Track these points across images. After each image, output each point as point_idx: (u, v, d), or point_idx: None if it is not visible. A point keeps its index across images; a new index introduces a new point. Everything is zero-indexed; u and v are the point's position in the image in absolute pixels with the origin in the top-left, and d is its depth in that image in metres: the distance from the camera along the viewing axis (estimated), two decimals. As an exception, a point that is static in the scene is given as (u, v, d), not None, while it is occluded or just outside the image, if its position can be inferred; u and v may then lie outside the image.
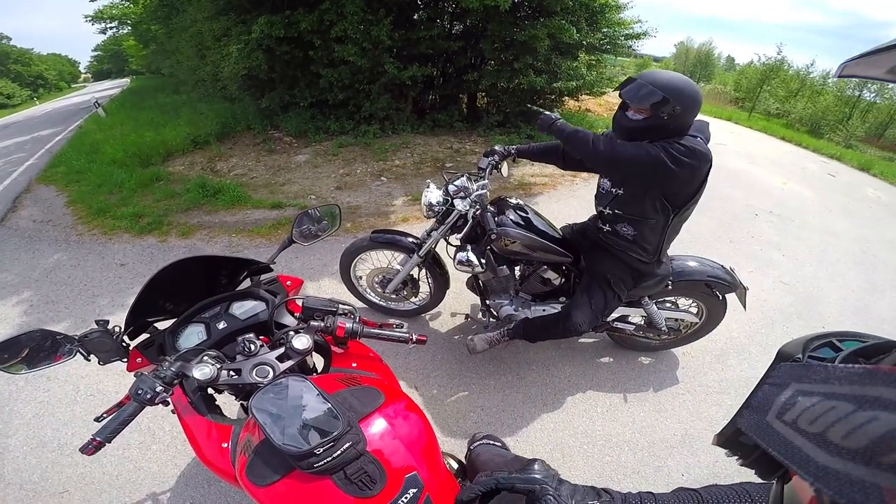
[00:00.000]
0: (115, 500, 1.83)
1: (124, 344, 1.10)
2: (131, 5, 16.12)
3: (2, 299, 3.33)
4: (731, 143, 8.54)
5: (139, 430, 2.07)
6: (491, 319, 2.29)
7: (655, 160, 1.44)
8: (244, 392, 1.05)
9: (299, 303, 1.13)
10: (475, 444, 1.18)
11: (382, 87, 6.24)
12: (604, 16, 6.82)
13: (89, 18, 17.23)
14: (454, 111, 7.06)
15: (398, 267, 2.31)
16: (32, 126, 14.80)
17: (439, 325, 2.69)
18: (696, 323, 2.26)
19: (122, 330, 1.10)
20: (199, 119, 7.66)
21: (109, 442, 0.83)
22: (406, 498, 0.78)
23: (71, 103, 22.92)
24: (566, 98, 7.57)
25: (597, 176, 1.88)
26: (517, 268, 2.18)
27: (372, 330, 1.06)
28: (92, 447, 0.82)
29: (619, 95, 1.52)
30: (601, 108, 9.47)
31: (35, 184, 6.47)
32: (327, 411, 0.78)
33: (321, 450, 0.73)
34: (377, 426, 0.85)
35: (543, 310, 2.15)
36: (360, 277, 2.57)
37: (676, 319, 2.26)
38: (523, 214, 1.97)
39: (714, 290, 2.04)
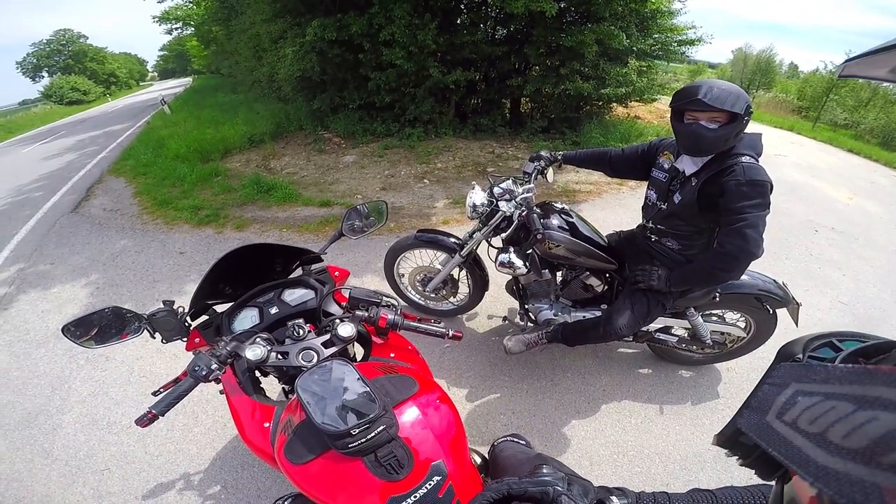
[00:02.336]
0: (152, 480, 1.95)
1: (186, 324, 1.20)
2: (194, 7, 17.15)
3: (73, 280, 3.69)
4: (791, 154, 8.03)
5: (184, 412, 2.21)
6: (529, 324, 2.29)
7: (761, 218, 1.41)
8: (287, 375, 1.12)
9: (345, 293, 1.18)
10: (499, 441, 1.20)
11: (427, 90, 6.37)
12: (655, 22, 6.63)
13: (156, 19, 18.53)
14: (497, 116, 7.07)
15: (439, 266, 2.36)
16: (105, 121, 16.17)
17: (476, 326, 2.72)
18: (744, 338, 2.17)
19: (186, 310, 1.20)
20: (256, 118, 8.09)
21: (163, 415, 0.90)
22: (430, 485, 0.81)
23: (139, 100, 24.78)
24: (615, 104, 7.38)
25: (645, 184, 1.85)
26: (559, 273, 2.17)
27: (411, 323, 1.10)
28: (147, 419, 0.89)
29: (682, 103, 1.42)
30: (651, 115, 9.16)
31: (107, 175, 7.09)
32: (365, 395, 0.82)
33: (357, 430, 0.77)
34: (409, 413, 0.89)
35: (583, 316, 2.13)
36: (403, 275, 2.63)
37: (722, 333, 2.18)
38: (568, 219, 1.96)
39: (764, 304, 1.96)
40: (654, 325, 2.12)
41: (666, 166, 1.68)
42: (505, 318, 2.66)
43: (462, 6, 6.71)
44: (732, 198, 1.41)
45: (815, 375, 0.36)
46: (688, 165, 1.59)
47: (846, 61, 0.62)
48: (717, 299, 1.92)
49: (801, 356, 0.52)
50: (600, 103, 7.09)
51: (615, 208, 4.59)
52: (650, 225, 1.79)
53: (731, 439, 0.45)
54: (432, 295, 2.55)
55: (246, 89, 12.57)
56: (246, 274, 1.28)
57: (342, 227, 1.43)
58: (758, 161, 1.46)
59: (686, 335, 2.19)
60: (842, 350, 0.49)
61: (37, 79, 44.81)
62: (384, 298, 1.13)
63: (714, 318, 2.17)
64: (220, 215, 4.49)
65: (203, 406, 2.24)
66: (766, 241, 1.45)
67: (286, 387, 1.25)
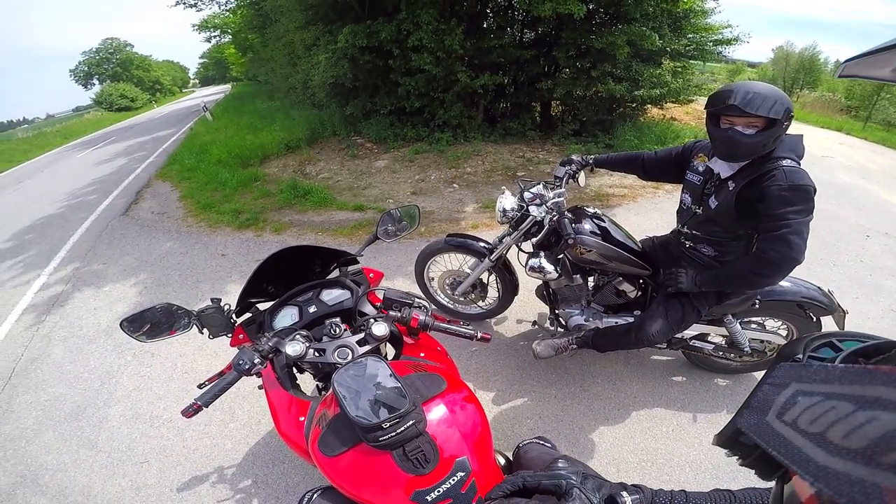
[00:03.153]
0: (188, 473, 2.04)
1: (232, 320, 1.27)
2: (231, 15, 17.77)
3: (123, 279, 3.95)
4: (840, 155, 7.60)
5: (221, 408, 2.30)
6: (558, 329, 2.27)
7: (804, 224, 1.36)
8: (322, 372, 1.17)
9: (379, 294, 1.24)
10: (524, 443, 1.21)
11: (455, 95, 6.42)
12: (688, 21, 6.49)
13: (196, 27, 19.33)
14: (526, 119, 7.04)
15: (469, 270, 2.38)
16: (152, 127, 17.13)
17: (504, 331, 2.74)
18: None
19: (232, 308, 1.28)
20: (292, 124, 8.39)
21: (207, 406, 0.96)
22: (454, 480, 0.85)
23: (183, 107, 26.06)
24: (649, 106, 7.22)
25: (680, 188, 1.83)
26: (591, 278, 2.15)
27: (441, 324, 1.15)
28: (192, 410, 0.96)
29: (718, 107, 1.37)
30: (688, 116, 8.89)
31: (154, 179, 7.54)
32: (396, 390, 0.85)
33: (388, 424, 0.80)
34: (437, 410, 0.93)
35: (615, 322, 2.11)
36: (433, 279, 2.67)
37: (762, 341, 2.12)
38: (601, 224, 1.94)
39: (807, 312, 1.90)
40: (689, 332, 2.08)
41: (700, 169, 1.65)
42: (534, 323, 2.64)
43: (488, 10, 6.74)
44: (774, 203, 1.37)
45: (815, 375, 0.36)
46: (722, 168, 1.55)
47: (846, 61, 0.62)
48: (757, 306, 1.88)
49: (801, 356, 0.52)
50: (634, 105, 6.94)
51: (650, 212, 4.51)
52: (685, 230, 1.77)
53: (731, 439, 0.44)
54: (461, 298, 2.58)
55: (282, 96, 12.97)
56: (287, 274, 1.36)
57: (377, 231, 1.50)
58: (799, 164, 1.42)
59: (723, 342, 2.14)
60: (842, 350, 0.49)
61: (88, 86, 46.94)
62: (416, 300, 1.18)
63: (753, 326, 2.11)
64: (260, 219, 4.71)
65: (240, 402, 2.35)
66: (812, 246, 1.42)
67: (320, 384, 1.31)
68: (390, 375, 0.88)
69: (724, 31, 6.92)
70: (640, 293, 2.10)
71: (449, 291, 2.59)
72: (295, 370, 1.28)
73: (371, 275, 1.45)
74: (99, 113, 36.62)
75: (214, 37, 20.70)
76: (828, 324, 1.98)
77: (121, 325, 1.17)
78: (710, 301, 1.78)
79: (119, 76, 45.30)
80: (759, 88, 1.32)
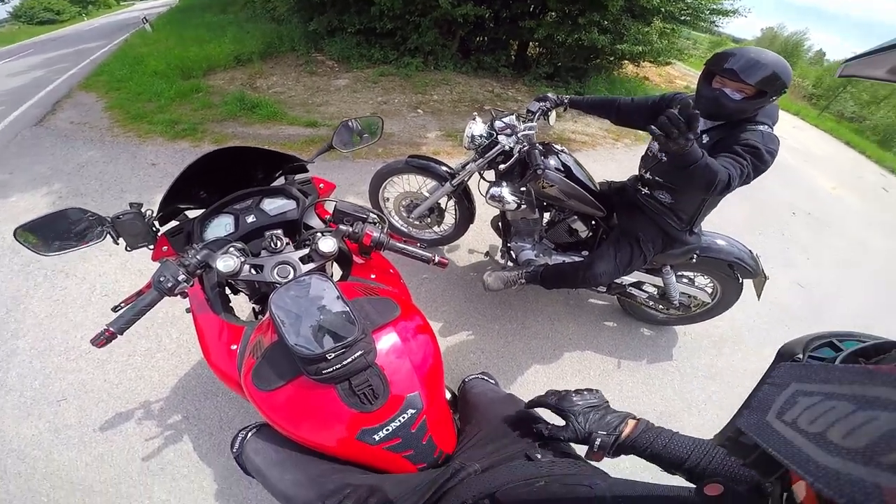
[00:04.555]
0: (111, 410, 1.85)
1: (154, 229, 1.09)
2: None
3: (33, 189, 3.45)
4: (790, 137, 8.02)
5: (147, 336, 2.10)
6: (509, 263, 2.29)
7: (753, 172, 1.40)
8: (260, 293, 1.06)
9: (329, 207, 1.11)
10: (470, 378, 1.19)
11: (432, 21, 6.03)
12: None
13: None
14: (501, 56, 6.79)
15: (427, 194, 2.30)
16: (78, 40, 15.04)
17: (456, 260, 2.67)
18: (708, 303, 2.22)
19: (154, 214, 1.08)
20: (245, 38, 7.61)
21: (122, 333, 0.82)
22: (404, 418, 0.77)
23: (119, 19, 23.12)
24: (626, 62, 7.13)
25: (645, 139, 1.79)
26: (546, 214, 2.17)
27: (397, 244, 1.03)
28: (104, 338, 0.81)
29: (717, 68, 1.39)
30: (660, 78, 8.91)
31: (76, 90, 6.60)
32: (344, 315, 0.75)
33: (333, 355, 0.71)
34: (389, 339, 0.83)
35: (564, 260, 2.14)
36: (388, 199, 2.56)
37: (690, 296, 2.22)
38: (565, 163, 1.94)
39: (735, 273, 2.01)
40: (628, 279, 2.18)
41: None
42: (486, 255, 2.65)
43: None
44: (744, 147, 1.40)
45: (815, 375, 0.36)
46: (700, 125, 1.54)
47: (846, 61, 0.62)
48: (694, 260, 1.97)
49: (801, 356, 0.51)
50: (612, 58, 6.82)
51: (607, 161, 4.57)
52: (647, 176, 1.77)
53: (731, 439, 0.45)
54: (416, 222, 2.50)
55: (237, 9, 11.85)
56: (223, 179, 1.17)
57: (332, 140, 1.32)
58: (773, 130, 1.46)
59: (656, 293, 2.24)
60: (842, 350, 0.49)
61: (5, 1, 41.15)
62: (370, 215, 1.05)
63: (685, 280, 2.20)
64: (198, 130, 4.24)
65: (167, 328, 2.13)
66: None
67: (257, 307, 1.21)
68: (337, 298, 0.78)
69: (725, 1, 6.81)
70: (590, 234, 2.13)
71: (404, 214, 2.49)
72: (228, 291, 1.14)
73: (321, 185, 1.29)
74: (16, 26, 32.16)
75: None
76: (748, 288, 2.09)
77: (14, 233, 0.96)
78: (657, 247, 1.84)
79: None
80: (765, 57, 1.33)
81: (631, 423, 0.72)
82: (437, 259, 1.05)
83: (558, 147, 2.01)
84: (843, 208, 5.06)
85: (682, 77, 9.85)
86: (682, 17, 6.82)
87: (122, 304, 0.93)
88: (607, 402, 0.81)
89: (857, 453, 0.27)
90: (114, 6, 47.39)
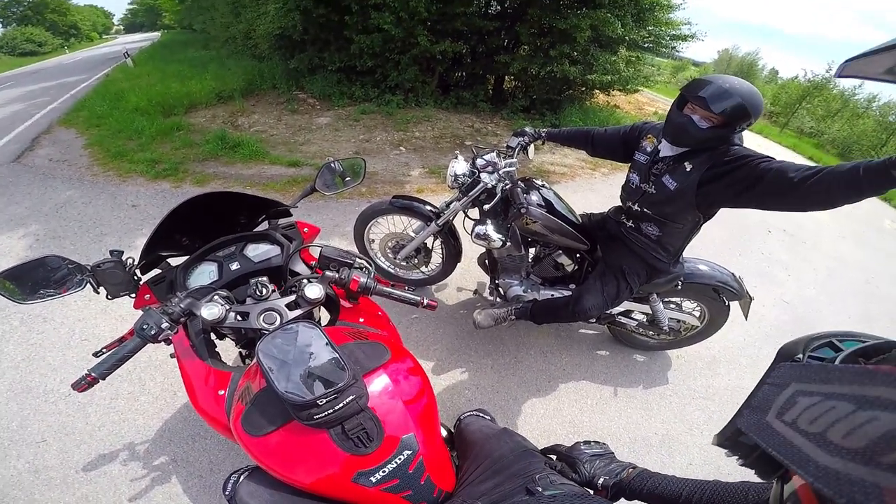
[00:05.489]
0: (93, 451, 1.80)
1: (136, 277, 1.08)
2: None
3: (9, 231, 3.33)
4: (759, 155, 8.35)
5: (129, 379, 2.04)
6: (497, 299, 2.28)
7: None
8: (246, 339, 1.05)
9: (314, 252, 1.11)
10: (465, 415, 1.19)
11: (412, 58, 6.19)
12: (652, 14, 6.59)
13: None
14: (480, 91, 6.97)
15: (413, 234, 2.30)
16: (59, 73, 14.90)
17: (445, 299, 2.66)
18: (697, 327, 2.24)
19: (136, 262, 1.07)
20: (226, 75, 7.67)
21: (104, 378, 0.81)
22: (400, 459, 0.77)
23: (100, 53, 23.10)
24: (597, 91, 7.39)
25: (621, 169, 1.82)
26: (531, 249, 2.17)
27: (384, 288, 1.02)
28: (85, 383, 0.80)
29: (691, 94, 1.37)
30: (630, 105, 9.25)
31: (56, 126, 6.50)
32: (334, 361, 0.75)
33: (324, 401, 0.71)
34: (380, 383, 0.83)
35: (552, 294, 2.14)
36: (374, 241, 2.55)
37: (679, 321, 2.25)
38: (546, 198, 1.96)
39: (721, 296, 2.04)
40: (616, 309, 2.16)
41: (649, 149, 1.65)
42: (475, 292, 2.64)
43: None
44: (741, 164, 1.35)
45: (815, 375, 0.36)
46: (666, 150, 1.58)
47: (846, 61, 0.63)
48: (679, 287, 1.97)
49: (801, 356, 0.52)
50: (584, 89, 7.09)
51: (586, 192, 4.65)
52: (635, 208, 1.74)
53: (731, 439, 0.45)
54: (403, 263, 2.49)
55: (219, 46, 11.94)
56: (206, 225, 1.17)
57: (315, 183, 1.31)
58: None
59: (645, 320, 2.25)
60: (842, 350, 0.49)
61: None
62: (357, 260, 1.05)
63: (672, 306, 2.23)
64: (180, 170, 4.18)
65: (151, 372, 2.09)
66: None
67: (244, 351, 1.20)
68: (326, 344, 0.78)
69: (683, 27, 7.15)
70: (576, 267, 2.14)
71: (391, 255, 2.47)
72: (214, 336, 1.12)
73: (306, 230, 1.29)
74: (-6, 57, 31.79)
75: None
76: (735, 308, 2.13)
77: (1, 274, 0.95)
78: (642, 279, 1.84)
79: (29, 20, 40.04)
80: (737, 88, 1.31)
81: (631, 470, 0.78)
82: (425, 302, 1.05)
83: (539, 182, 2.03)
84: (814, 223, 5.23)
85: (650, 103, 10.24)
86: (646, 45, 7.18)
87: (104, 350, 0.92)
88: (612, 452, 0.87)
89: (857, 453, 0.27)
90: (96, 40, 47.70)
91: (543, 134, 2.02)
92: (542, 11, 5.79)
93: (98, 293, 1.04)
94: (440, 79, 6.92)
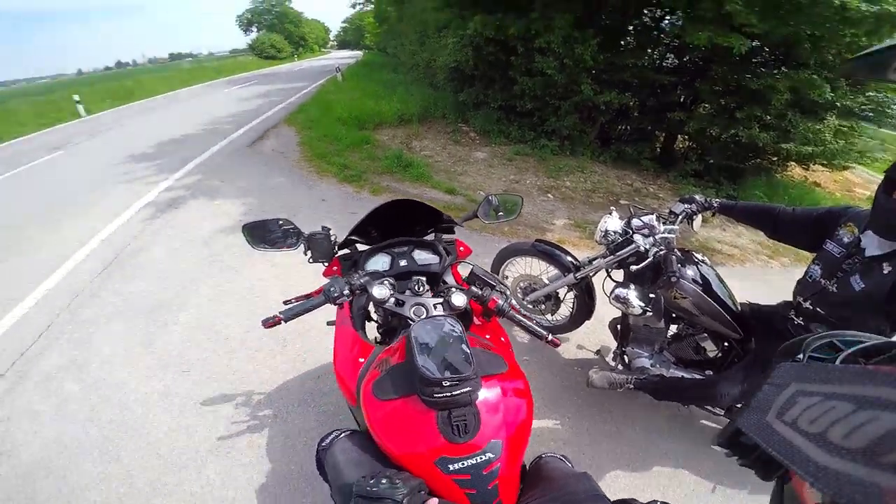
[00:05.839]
0: (219, 390, 2.23)
1: (334, 250, 1.38)
2: None
3: (233, 198, 4.56)
4: None
5: (276, 338, 2.50)
6: (620, 366, 2.20)
7: None
8: (389, 325, 1.27)
9: (463, 269, 1.27)
10: (547, 454, 1.18)
11: (572, 105, 6.17)
12: None
13: None
14: (645, 148, 6.52)
15: (547, 280, 2.35)
16: (290, 77, 19.01)
17: (562, 350, 2.67)
18: None
19: (339, 240, 1.40)
20: (409, 99, 8.86)
21: (287, 321, 1.04)
22: (481, 458, 0.86)
23: (318, 64, 28.56)
24: (792, 164, 6.30)
25: (806, 260, 1.63)
26: (673, 326, 2.05)
27: (516, 315, 1.14)
28: (272, 321, 1.03)
29: None
30: (835, 184, 7.67)
31: (281, 123, 8.43)
32: (464, 355, 0.87)
33: (447, 383, 0.83)
34: (492, 387, 0.95)
35: (682, 375, 2.00)
36: (507, 277, 2.65)
37: None
38: (704, 275, 1.82)
39: None
40: None
41: (846, 240, 1.44)
42: (597, 352, 2.56)
43: (631, 27, 6.37)
44: None
45: (815, 375, 0.36)
46: (871, 245, 1.36)
47: (848, 60, 0.57)
48: None
49: (801, 356, 0.51)
50: (775, 158, 6.09)
51: (757, 283, 3.96)
52: (806, 306, 1.56)
53: (731, 439, 0.45)
54: (530, 306, 2.55)
55: (405, 71, 13.61)
56: (390, 223, 1.44)
57: (477, 210, 1.53)
58: None
59: None
60: (842, 350, 0.48)
61: (248, 33, 52.13)
62: (499, 284, 1.19)
63: None
64: (362, 178, 5.09)
65: (294, 337, 2.50)
66: None
67: (382, 335, 1.39)
68: (462, 341, 0.90)
69: None
70: (719, 354, 1.97)
71: (520, 295, 2.56)
72: (369, 315, 1.38)
73: (461, 248, 1.49)
74: (249, 57, 41.36)
75: (359, 3, 22.23)
76: None
77: (243, 227, 1.35)
78: None
79: (274, 27, 49.89)
80: None
81: None
82: (549, 337, 1.14)
83: (699, 257, 1.91)
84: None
85: (864, 184, 8.37)
86: (864, 113, 5.90)
87: (293, 300, 1.18)
88: None
89: (857, 453, 0.26)
90: (316, 52, 57.60)
91: (716, 205, 1.87)
92: (729, 68, 5.23)
93: (305, 255, 1.35)
94: (601, 130, 6.73)
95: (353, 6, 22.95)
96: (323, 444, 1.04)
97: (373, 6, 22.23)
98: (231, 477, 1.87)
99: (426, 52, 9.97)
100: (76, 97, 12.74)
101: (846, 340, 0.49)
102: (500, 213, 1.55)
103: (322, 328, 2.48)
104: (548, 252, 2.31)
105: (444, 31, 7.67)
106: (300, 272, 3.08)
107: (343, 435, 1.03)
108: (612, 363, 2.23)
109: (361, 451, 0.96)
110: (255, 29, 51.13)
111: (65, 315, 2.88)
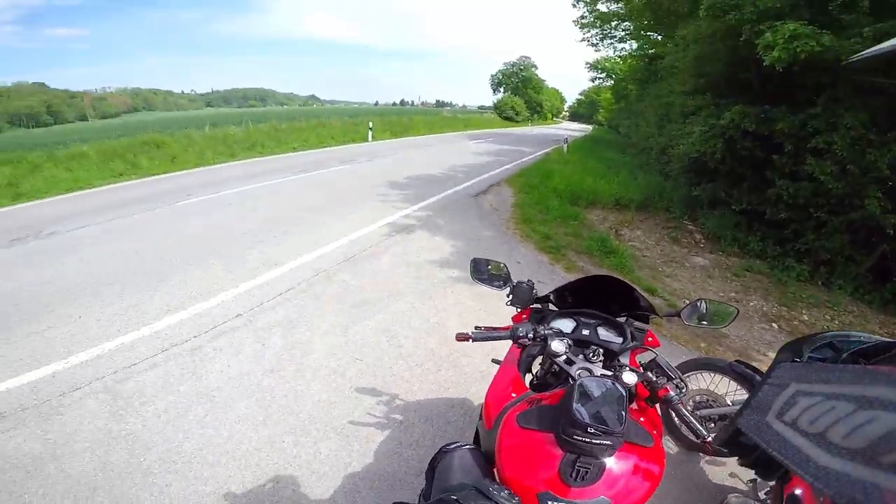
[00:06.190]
0: (375, 385, 2.66)
1: (531, 301, 1.54)
2: (621, 62, 19.31)
3: (447, 239, 5.52)
4: None
5: (447, 364, 2.91)
6: (767, 501, 1.93)
7: None
8: (546, 380, 1.37)
9: (641, 358, 1.30)
10: None
11: (845, 223, 5.03)
12: None
13: (588, 65, 22.23)
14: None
15: (730, 403, 2.22)
16: (520, 141, 21.28)
17: (710, 470, 2.38)
18: None
19: (538, 294, 1.57)
20: (630, 184, 8.85)
21: (474, 341, 1.25)
22: None
23: (548, 132, 31.03)
24: None
25: None
26: None
27: (682, 408, 1.12)
28: (463, 336, 1.25)
29: None
30: None
31: (503, 182, 9.58)
32: (618, 416, 0.90)
33: (592, 430, 0.86)
34: (628, 455, 0.96)
35: None
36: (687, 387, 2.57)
37: None
38: None
39: None
40: None
41: None
42: (749, 482, 2.23)
43: None
44: None
45: (815, 375, 0.36)
46: None
47: (849, 60, 0.42)
48: None
49: (801, 356, 0.46)
50: None
51: None
52: None
53: (731, 439, 0.44)
54: (697, 418, 2.40)
55: (635, 153, 13.50)
56: (589, 294, 1.52)
57: (682, 311, 1.52)
58: None
59: None
60: (842, 350, 0.44)
61: (496, 92, 58.44)
62: (679, 379, 1.17)
63: None
64: (560, 252, 5.41)
65: (448, 365, 2.90)
66: None
67: (533, 388, 1.45)
68: (622, 403, 0.93)
69: None
70: None
71: (690, 405, 2.43)
72: (536, 365, 1.52)
73: (650, 338, 1.47)
74: (491, 115, 47.79)
75: (599, 78, 23.29)
76: None
77: (472, 259, 1.73)
78: None
79: (517, 91, 55.68)
80: None
81: None
82: (708, 438, 1.12)
83: None
84: None
85: None
86: None
87: (482, 328, 1.33)
88: None
89: (857, 454, 0.26)
90: (548, 120, 61.93)
91: None
92: None
93: (508, 297, 1.56)
94: (879, 260, 5.15)
95: (592, 80, 24.16)
96: (447, 448, 1.19)
97: (612, 82, 22.95)
98: (335, 456, 2.18)
99: (663, 136, 9.70)
100: (370, 125, 17.50)
101: (846, 341, 0.46)
102: (706, 321, 1.52)
103: (472, 367, 2.91)
104: (746, 376, 2.15)
105: (692, 118, 7.20)
106: (476, 315, 3.61)
107: (466, 447, 1.18)
108: (762, 496, 1.98)
109: (474, 465, 1.10)
110: (502, 90, 57.78)
111: (302, 286, 3.99)
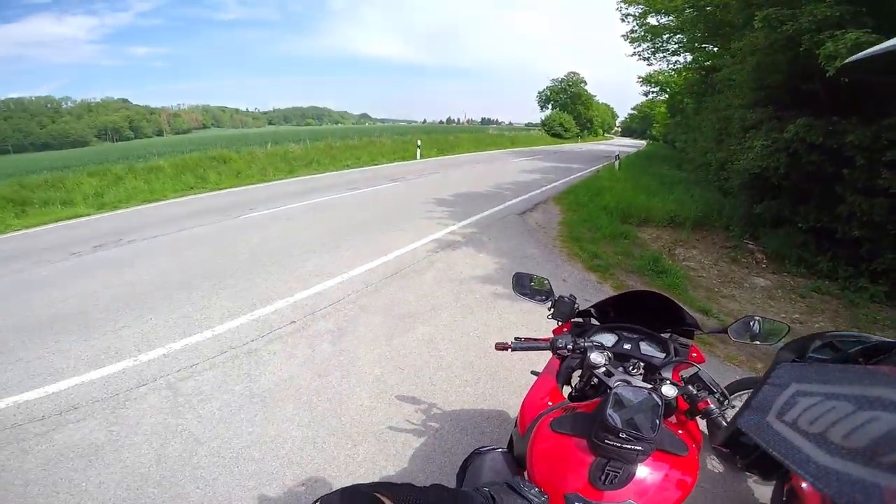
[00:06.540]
0: (412, 389, 2.81)
1: (572, 315, 1.56)
2: (675, 76, 18.62)
3: (491, 255, 5.67)
4: None
5: (491, 373, 3.03)
6: None
7: None
8: (584, 392, 1.39)
9: (685, 372, 1.28)
10: None
11: None
12: None
13: (640, 80, 21.33)
14: None
15: None
16: (569, 158, 21.11)
17: (754, 487, 2.21)
18: None
19: (580, 308, 1.57)
20: (687, 201, 8.53)
21: (513, 351, 1.32)
22: None
23: (598, 149, 30.52)
24: None
25: None
26: None
27: (722, 421, 1.11)
28: (503, 346, 1.32)
29: None
30: None
31: (551, 200, 9.58)
32: (652, 423, 0.90)
33: (624, 435, 0.88)
34: (660, 463, 0.97)
35: None
36: (734, 407, 2.52)
37: None
38: None
39: None
40: None
41: None
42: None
43: None
44: None
45: (815, 375, 0.36)
46: None
47: (847, 61, 0.45)
48: None
49: (802, 356, 0.47)
50: None
51: None
52: None
53: (732, 439, 0.44)
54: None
55: (691, 169, 12.94)
56: (632, 309, 1.51)
57: (730, 326, 1.49)
58: None
59: None
60: (842, 350, 0.44)
61: (544, 108, 57.75)
62: (721, 394, 1.15)
63: None
64: (608, 271, 5.36)
65: (486, 377, 3.01)
66: None
67: (570, 399, 1.47)
68: (657, 412, 0.93)
69: None
70: None
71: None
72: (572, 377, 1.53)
73: (695, 354, 1.44)
74: (539, 132, 47.62)
75: (653, 92, 22.50)
76: None
77: (515, 274, 1.75)
78: None
79: (566, 107, 54.87)
80: None
81: None
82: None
83: None
84: None
85: None
86: None
87: (522, 339, 1.39)
88: None
89: (857, 453, 0.26)
90: (599, 136, 60.41)
91: None
92: None
93: (549, 310, 1.58)
94: None
95: (646, 94, 23.38)
96: (479, 450, 1.24)
97: (667, 96, 22.16)
98: (371, 459, 2.29)
99: (722, 151, 9.23)
100: (419, 142, 18.14)
101: (846, 341, 0.47)
102: (758, 339, 1.45)
103: (510, 380, 3.01)
104: None
105: (752, 132, 6.80)
106: (517, 330, 3.68)
107: (498, 450, 1.23)
108: None
109: (504, 467, 1.15)
110: (550, 106, 57.14)
111: (352, 296, 4.28)
